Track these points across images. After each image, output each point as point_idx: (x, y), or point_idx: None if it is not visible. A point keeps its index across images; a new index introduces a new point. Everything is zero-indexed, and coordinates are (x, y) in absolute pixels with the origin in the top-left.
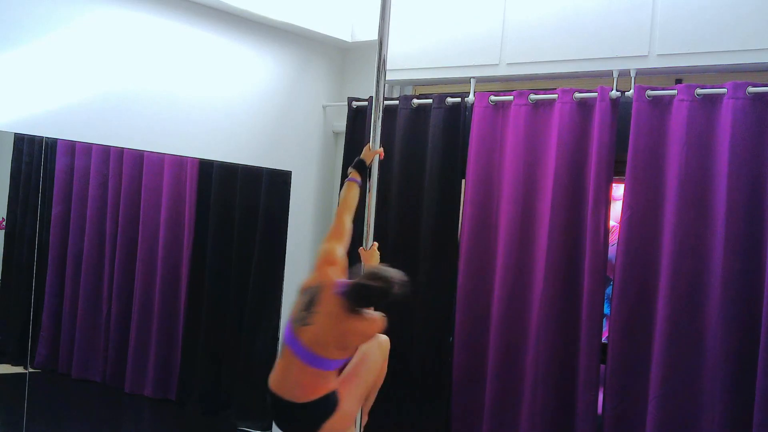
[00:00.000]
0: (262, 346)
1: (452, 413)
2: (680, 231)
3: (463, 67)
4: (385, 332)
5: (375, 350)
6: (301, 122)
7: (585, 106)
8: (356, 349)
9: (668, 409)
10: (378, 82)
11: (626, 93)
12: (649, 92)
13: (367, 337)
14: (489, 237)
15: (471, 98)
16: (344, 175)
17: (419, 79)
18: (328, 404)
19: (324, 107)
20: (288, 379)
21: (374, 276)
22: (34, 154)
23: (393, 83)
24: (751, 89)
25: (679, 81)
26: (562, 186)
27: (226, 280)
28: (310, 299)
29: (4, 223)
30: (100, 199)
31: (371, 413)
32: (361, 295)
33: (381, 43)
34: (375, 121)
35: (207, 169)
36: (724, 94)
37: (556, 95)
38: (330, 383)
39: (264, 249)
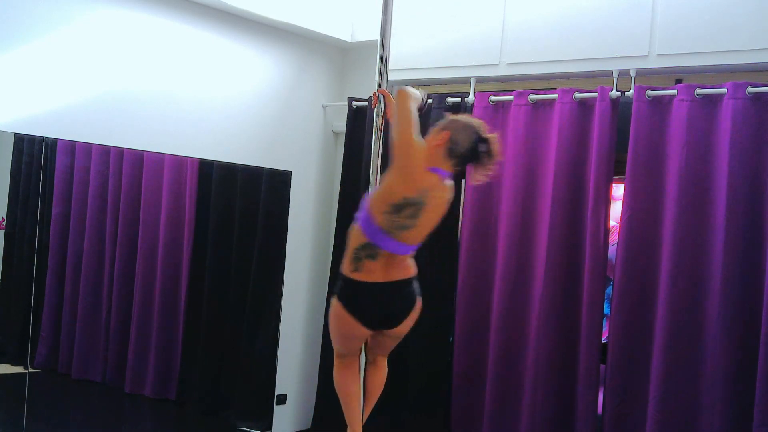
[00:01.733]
0: (262, 346)
1: (452, 413)
2: (680, 231)
3: (463, 67)
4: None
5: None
6: (301, 122)
7: (585, 106)
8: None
9: (668, 409)
10: (380, 81)
11: (626, 93)
12: (649, 92)
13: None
14: (489, 237)
15: (471, 98)
16: (344, 175)
17: (419, 79)
18: (415, 287)
19: (324, 107)
20: (391, 269)
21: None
22: (34, 154)
23: (393, 83)
24: (751, 89)
25: (679, 81)
26: (562, 186)
27: (226, 280)
28: (412, 207)
29: (4, 223)
30: (100, 199)
31: (370, 417)
32: (485, 150)
33: (383, 41)
34: (377, 119)
35: (207, 169)
36: (724, 94)
37: (556, 95)
38: (412, 264)
39: (264, 249)
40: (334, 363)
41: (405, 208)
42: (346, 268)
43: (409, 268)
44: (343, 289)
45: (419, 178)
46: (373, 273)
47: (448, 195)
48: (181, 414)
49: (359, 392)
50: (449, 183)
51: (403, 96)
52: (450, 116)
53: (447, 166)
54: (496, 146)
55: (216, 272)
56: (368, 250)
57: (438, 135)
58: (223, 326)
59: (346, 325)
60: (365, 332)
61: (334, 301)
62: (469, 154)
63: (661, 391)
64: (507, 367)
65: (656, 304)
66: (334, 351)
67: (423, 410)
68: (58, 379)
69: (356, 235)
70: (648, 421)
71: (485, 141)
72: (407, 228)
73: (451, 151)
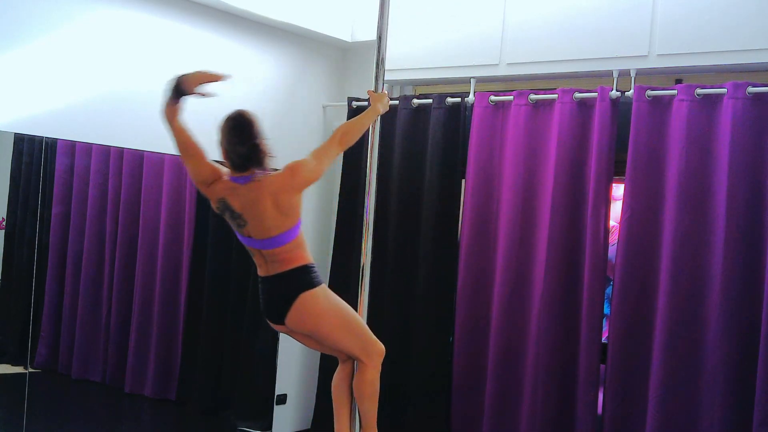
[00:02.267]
0: (262, 346)
1: (452, 414)
2: (680, 231)
3: (463, 67)
4: (386, 331)
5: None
6: (301, 122)
7: (585, 106)
8: (296, 208)
9: (668, 409)
10: (377, 79)
11: (626, 93)
12: (649, 92)
13: (298, 183)
14: (489, 237)
15: (471, 98)
16: (344, 175)
17: (419, 79)
18: (305, 274)
19: (324, 107)
20: (270, 263)
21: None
22: (34, 154)
23: (393, 83)
24: (751, 89)
25: (679, 81)
26: (562, 186)
27: (226, 280)
28: (228, 211)
29: (4, 223)
30: (100, 199)
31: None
32: (251, 156)
33: (380, 40)
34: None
35: None
36: (724, 94)
37: (556, 95)
38: (301, 254)
39: None
40: None
41: (222, 213)
42: None
43: (288, 262)
44: None
45: (205, 190)
46: (260, 267)
47: (275, 184)
48: (181, 414)
49: (345, 397)
50: (267, 174)
51: (166, 108)
52: (221, 122)
53: (239, 173)
54: (263, 143)
55: (216, 272)
56: (245, 247)
57: (220, 149)
58: (223, 326)
59: None
60: (275, 327)
61: None
62: (245, 161)
63: (661, 391)
64: (507, 367)
65: (656, 304)
66: None
67: (423, 410)
68: (58, 379)
69: None
70: (648, 421)
71: (254, 146)
72: (243, 225)
73: (233, 165)
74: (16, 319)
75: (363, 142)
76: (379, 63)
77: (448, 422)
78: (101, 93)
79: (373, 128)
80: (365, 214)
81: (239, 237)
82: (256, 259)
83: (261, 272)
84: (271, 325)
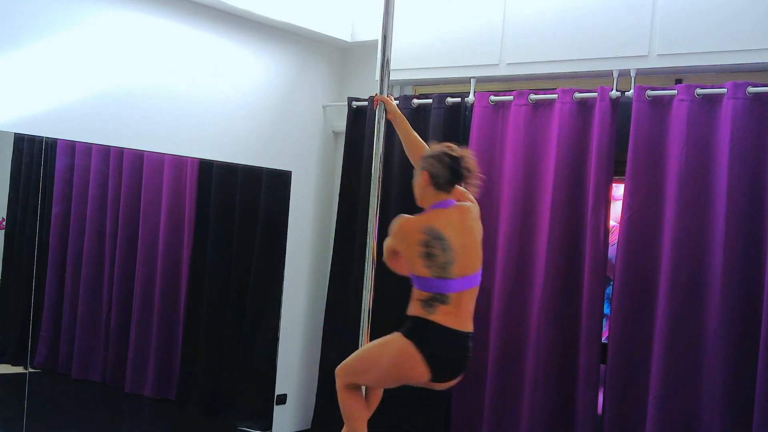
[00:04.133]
0: (262, 346)
1: (452, 413)
2: (680, 231)
3: (463, 67)
4: (386, 330)
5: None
6: (301, 122)
7: (585, 106)
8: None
9: (668, 409)
10: (382, 80)
11: (626, 93)
12: (649, 92)
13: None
14: (489, 237)
15: (471, 98)
16: (344, 175)
17: (419, 79)
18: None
19: (324, 107)
20: (466, 312)
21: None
22: (34, 154)
23: (393, 83)
24: (751, 89)
25: (679, 81)
26: (562, 186)
27: (226, 280)
28: (441, 243)
29: (4, 223)
30: (100, 199)
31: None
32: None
33: (385, 40)
34: (378, 120)
35: (207, 169)
36: (724, 94)
37: (556, 95)
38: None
39: (264, 249)
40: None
41: (426, 247)
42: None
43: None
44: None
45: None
46: (450, 315)
47: (475, 210)
48: (181, 414)
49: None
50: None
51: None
52: (423, 155)
53: (442, 197)
54: (471, 161)
55: (216, 272)
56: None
57: (420, 176)
58: (223, 326)
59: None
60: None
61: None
62: (452, 178)
63: (661, 391)
64: (507, 367)
65: (656, 304)
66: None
67: (423, 410)
68: (58, 379)
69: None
70: (648, 421)
71: (458, 161)
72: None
73: (437, 185)
74: (16, 319)
75: (363, 142)
76: (384, 64)
77: (448, 422)
78: (101, 93)
79: (376, 128)
80: (370, 215)
81: (434, 282)
82: (446, 307)
83: (452, 323)
84: (444, 384)
